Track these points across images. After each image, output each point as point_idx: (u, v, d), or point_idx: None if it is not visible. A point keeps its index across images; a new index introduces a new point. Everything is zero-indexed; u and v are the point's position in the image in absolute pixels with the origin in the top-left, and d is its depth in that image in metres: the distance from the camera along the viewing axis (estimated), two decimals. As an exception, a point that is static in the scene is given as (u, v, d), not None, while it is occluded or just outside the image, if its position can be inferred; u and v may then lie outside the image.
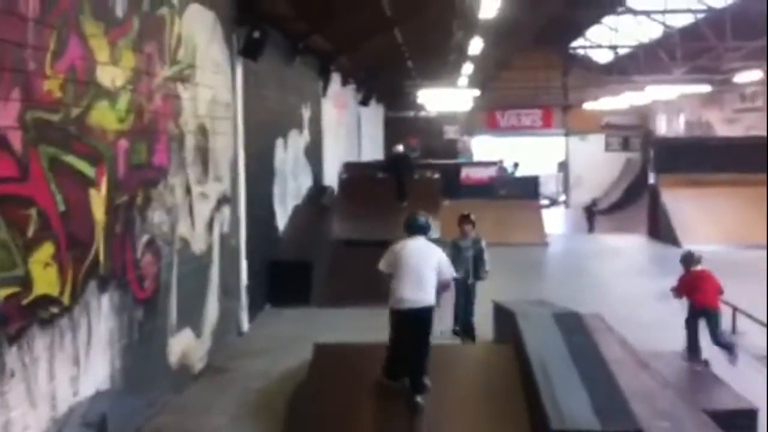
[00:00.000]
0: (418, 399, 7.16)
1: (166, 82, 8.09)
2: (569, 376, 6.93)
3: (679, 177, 21.01)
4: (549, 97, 39.73)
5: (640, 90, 29.51)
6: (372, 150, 27.65)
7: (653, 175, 22.26)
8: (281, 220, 13.84)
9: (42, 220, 5.53)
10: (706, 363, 9.41)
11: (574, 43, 35.90)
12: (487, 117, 41.64)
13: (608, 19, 30.37)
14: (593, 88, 35.73)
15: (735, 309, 10.92)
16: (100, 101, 6.46)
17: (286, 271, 12.76)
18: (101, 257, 6.46)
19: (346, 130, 23.69)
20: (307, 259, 13.23)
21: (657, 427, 6.03)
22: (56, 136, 5.78)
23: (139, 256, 7.33)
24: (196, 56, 9.03)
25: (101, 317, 6.48)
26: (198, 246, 9.13)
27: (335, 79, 20.07)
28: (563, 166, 42.63)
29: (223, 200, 10.12)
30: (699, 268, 9.93)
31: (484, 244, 10.50)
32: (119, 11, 6.88)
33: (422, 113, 36.97)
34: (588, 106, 37.09)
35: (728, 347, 9.55)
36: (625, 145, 41.08)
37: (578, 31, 32.88)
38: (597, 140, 41.33)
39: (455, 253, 10.07)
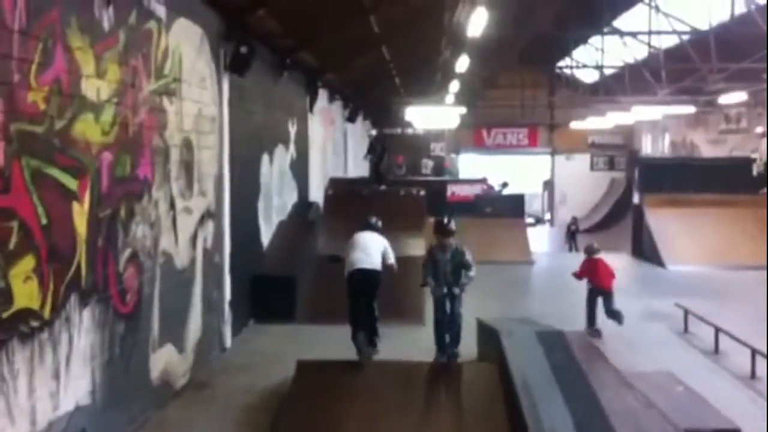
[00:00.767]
0: (369, 350, 9.07)
1: (152, 95, 8.08)
2: (552, 395, 6.93)
3: (663, 197, 21.05)
4: (535, 116, 40.08)
5: (625, 110, 29.77)
6: (358, 166, 27.60)
7: (638, 194, 22.28)
8: (266, 236, 13.79)
9: (23, 233, 5.49)
10: (599, 332, 11.56)
11: (561, 63, 36.18)
12: (474, 135, 41.84)
13: (594, 40, 30.67)
14: (579, 107, 36.05)
15: (717, 329, 10.97)
16: (84, 114, 6.44)
17: (270, 287, 12.69)
18: (83, 271, 6.41)
19: (333, 146, 23.70)
20: (292, 275, 13.16)
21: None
22: (39, 148, 5.75)
23: (122, 270, 7.28)
24: (182, 70, 9.02)
25: (82, 331, 6.43)
26: (181, 261, 9.09)
27: (322, 95, 20.10)
28: (548, 185, 42.87)
29: (207, 215, 10.08)
30: (596, 256, 12.07)
31: (467, 252, 9.10)
32: (106, 24, 6.87)
33: (409, 130, 37.03)
34: (574, 125, 37.37)
35: (617, 317, 11.70)
36: (611, 165, 41.53)
37: (565, 51, 33.14)
38: (582, 159, 41.78)
39: (430, 266, 9.11)
